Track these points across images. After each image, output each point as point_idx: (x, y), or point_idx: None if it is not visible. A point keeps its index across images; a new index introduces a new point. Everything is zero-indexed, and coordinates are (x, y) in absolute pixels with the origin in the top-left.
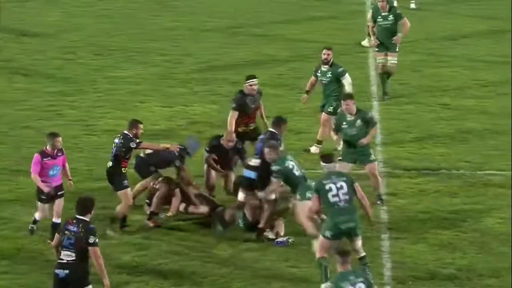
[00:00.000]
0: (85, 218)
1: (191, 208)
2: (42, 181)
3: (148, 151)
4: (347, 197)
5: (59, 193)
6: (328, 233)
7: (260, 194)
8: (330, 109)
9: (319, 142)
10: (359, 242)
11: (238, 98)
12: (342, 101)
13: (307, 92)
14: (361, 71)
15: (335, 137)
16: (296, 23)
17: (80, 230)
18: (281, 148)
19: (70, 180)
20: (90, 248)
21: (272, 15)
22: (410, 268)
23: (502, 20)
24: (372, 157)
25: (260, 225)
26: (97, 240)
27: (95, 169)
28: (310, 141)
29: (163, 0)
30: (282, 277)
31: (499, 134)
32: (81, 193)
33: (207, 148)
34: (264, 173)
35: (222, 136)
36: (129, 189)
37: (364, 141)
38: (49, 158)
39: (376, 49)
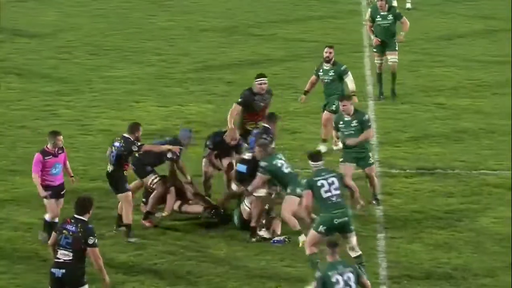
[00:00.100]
0: (84, 218)
1: (186, 208)
2: (45, 180)
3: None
4: (338, 192)
5: (61, 192)
6: (321, 228)
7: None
8: (333, 107)
9: (324, 141)
10: (354, 239)
11: (245, 95)
12: (339, 102)
13: (306, 92)
14: (356, 71)
15: (335, 136)
16: (292, 23)
17: (78, 230)
18: (273, 146)
19: (72, 177)
20: (89, 249)
21: (267, 15)
22: (406, 268)
23: (498, 20)
24: (371, 160)
25: (252, 224)
26: (96, 241)
27: (90, 169)
28: (304, 140)
29: (157, 0)
30: (278, 276)
31: (494, 134)
32: (77, 192)
33: (211, 146)
34: (254, 168)
35: (225, 132)
36: (130, 192)
37: (350, 141)
38: (51, 156)
39: (374, 50)
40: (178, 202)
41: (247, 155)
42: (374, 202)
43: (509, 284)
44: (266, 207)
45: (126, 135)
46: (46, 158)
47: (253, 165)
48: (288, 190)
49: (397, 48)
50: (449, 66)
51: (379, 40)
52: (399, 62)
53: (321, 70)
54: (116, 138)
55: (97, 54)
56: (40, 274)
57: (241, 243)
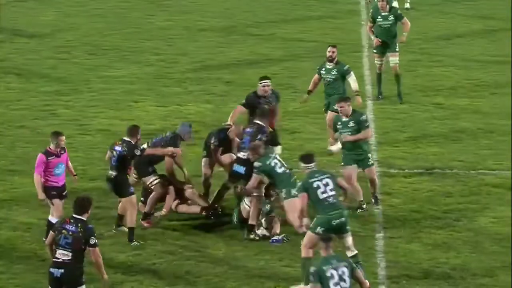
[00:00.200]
0: (83, 218)
1: (183, 208)
2: (49, 181)
3: (144, 147)
4: (334, 192)
5: (63, 193)
6: (319, 229)
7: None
8: (336, 107)
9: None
10: (349, 239)
11: (249, 97)
12: (336, 103)
13: (309, 92)
14: (355, 71)
15: (332, 137)
16: (290, 23)
17: (79, 230)
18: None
19: (75, 175)
20: (91, 249)
21: (266, 15)
22: (404, 267)
23: (497, 20)
24: (371, 161)
25: (250, 222)
26: (96, 240)
27: (89, 169)
28: (303, 140)
29: (156, 0)
30: (277, 276)
31: (492, 134)
32: (77, 192)
33: (216, 142)
34: (250, 168)
35: (228, 128)
36: (134, 195)
37: (347, 138)
38: (54, 156)
39: (374, 51)
40: (176, 202)
41: (242, 155)
42: (373, 201)
43: (508, 284)
44: (267, 207)
45: (127, 138)
46: (49, 158)
47: (250, 165)
48: (283, 194)
49: (397, 49)
50: (448, 66)
51: (380, 40)
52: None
53: (323, 69)
54: (116, 142)
55: (96, 54)
56: (39, 274)
57: (240, 243)
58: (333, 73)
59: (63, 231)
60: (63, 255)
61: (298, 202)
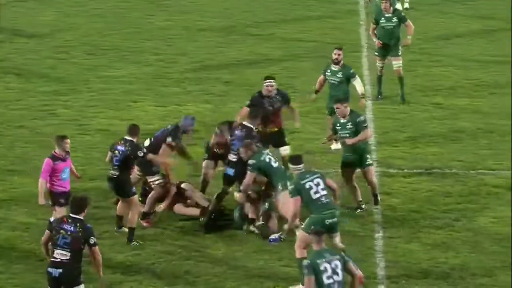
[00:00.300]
0: (80, 217)
1: (182, 210)
2: (56, 186)
3: (146, 144)
4: (325, 192)
5: (69, 198)
6: (312, 229)
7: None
8: None
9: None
10: (338, 238)
11: (253, 97)
12: (334, 104)
13: (317, 91)
14: (354, 71)
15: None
16: (290, 23)
17: (78, 229)
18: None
19: (79, 177)
20: (92, 248)
21: (265, 15)
22: (404, 267)
23: (496, 20)
24: (368, 161)
25: (250, 216)
26: (96, 239)
27: (88, 169)
28: (303, 140)
29: (156, 0)
30: (276, 276)
31: (492, 134)
32: (76, 192)
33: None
34: (242, 169)
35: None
36: (136, 195)
37: (348, 141)
38: (60, 161)
39: (376, 53)
40: (177, 204)
41: (232, 157)
42: (373, 200)
43: (507, 284)
44: (266, 205)
45: (129, 138)
46: (56, 162)
47: (240, 167)
48: (280, 187)
49: (400, 53)
50: (447, 66)
51: (381, 42)
52: None
53: (328, 71)
54: (118, 142)
55: (95, 54)
56: (38, 274)
57: (239, 243)
58: (338, 76)
59: (61, 231)
60: (61, 255)
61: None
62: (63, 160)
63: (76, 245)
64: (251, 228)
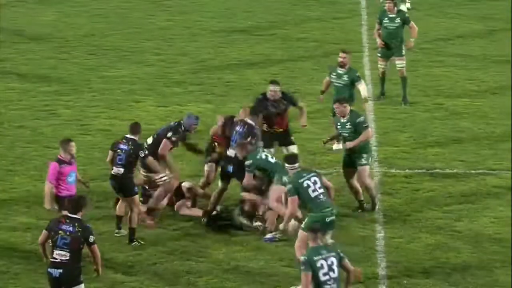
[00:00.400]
0: (78, 217)
1: (186, 211)
2: (62, 189)
3: (149, 141)
4: (323, 190)
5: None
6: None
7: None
8: None
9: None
10: (329, 235)
11: (257, 99)
12: (333, 104)
13: (322, 92)
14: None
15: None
16: (290, 23)
17: (76, 229)
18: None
19: (85, 183)
20: (91, 246)
21: (266, 15)
22: (405, 267)
23: (497, 20)
24: (363, 161)
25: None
26: (94, 238)
27: (89, 169)
28: (304, 140)
29: (157, 0)
30: (277, 276)
31: (493, 134)
32: (77, 193)
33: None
34: (240, 165)
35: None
36: (138, 195)
37: (349, 144)
38: (66, 164)
39: (379, 54)
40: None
41: (231, 152)
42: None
43: (508, 284)
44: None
45: (131, 136)
46: (62, 166)
47: (237, 162)
48: (275, 181)
49: (403, 54)
50: (448, 66)
51: (383, 43)
52: None
53: (334, 74)
54: (120, 141)
55: (96, 54)
56: (39, 274)
57: (240, 243)
58: (344, 79)
59: (60, 231)
60: (61, 255)
61: (283, 189)
62: (69, 163)
63: (76, 245)
64: (252, 224)
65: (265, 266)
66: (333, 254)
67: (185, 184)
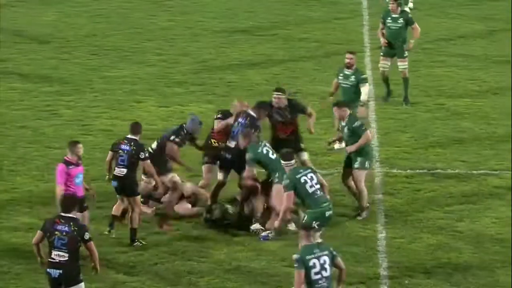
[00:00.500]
0: (72, 215)
1: (187, 210)
2: (69, 191)
3: (154, 146)
4: (319, 186)
5: (84, 205)
6: (315, 224)
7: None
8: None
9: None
10: (319, 233)
11: (263, 102)
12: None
13: (331, 94)
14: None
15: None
16: (292, 23)
17: (72, 229)
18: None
19: (94, 196)
20: (87, 243)
21: (267, 15)
22: (406, 268)
23: (498, 21)
24: (357, 164)
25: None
26: (90, 235)
27: (91, 169)
28: (305, 141)
29: (158, 0)
30: (278, 276)
31: (494, 134)
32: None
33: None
34: (241, 157)
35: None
36: (140, 195)
37: (349, 148)
38: (73, 166)
39: (381, 54)
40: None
41: (232, 143)
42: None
43: (509, 284)
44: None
45: (133, 137)
46: (69, 167)
47: (236, 153)
48: (276, 179)
49: (405, 55)
50: (450, 66)
51: (386, 42)
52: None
53: (341, 75)
54: (121, 141)
55: (98, 54)
56: (40, 275)
57: (242, 244)
58: (351, 80)
59: (56, 232)
60: (59, 256)
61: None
62: (76, 165)
63: (73, 245)
64: (252, 227)
65: (266, 266)
66: (326, 252)
67: (188, 187)
